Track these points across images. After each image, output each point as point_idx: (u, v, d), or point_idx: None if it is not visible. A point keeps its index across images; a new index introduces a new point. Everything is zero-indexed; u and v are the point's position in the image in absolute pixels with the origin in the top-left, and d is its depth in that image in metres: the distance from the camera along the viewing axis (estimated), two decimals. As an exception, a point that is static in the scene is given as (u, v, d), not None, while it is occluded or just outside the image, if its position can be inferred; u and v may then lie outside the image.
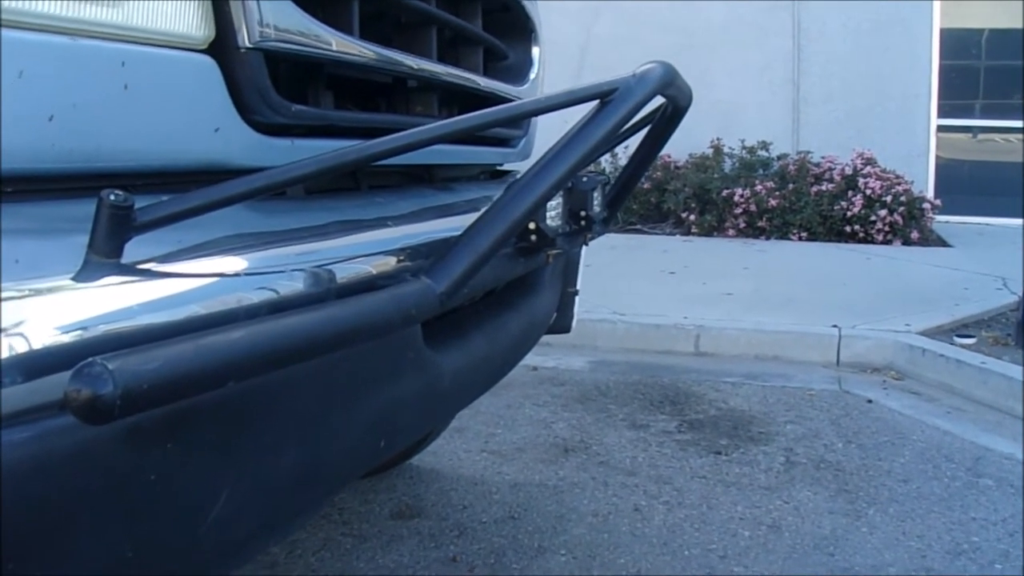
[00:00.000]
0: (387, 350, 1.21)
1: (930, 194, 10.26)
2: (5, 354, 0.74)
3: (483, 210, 1.15)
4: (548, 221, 1.50)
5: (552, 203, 1.52)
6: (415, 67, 1.55)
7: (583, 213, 1.75)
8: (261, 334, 0.81)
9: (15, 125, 0.85)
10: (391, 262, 1.20)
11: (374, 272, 1.14)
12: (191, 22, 1.02)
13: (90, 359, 0.68)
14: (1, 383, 0.73)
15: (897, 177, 9.55)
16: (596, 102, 1.25)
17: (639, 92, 1.26)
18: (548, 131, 1.67)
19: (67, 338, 0.78)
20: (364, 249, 1.17)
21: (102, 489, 0.84)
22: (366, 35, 1.39)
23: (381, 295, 0.99)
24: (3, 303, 0.76)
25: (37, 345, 0.76)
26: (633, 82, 1.26)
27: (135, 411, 0.70)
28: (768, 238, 9.53)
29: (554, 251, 1.61)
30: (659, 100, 1.57)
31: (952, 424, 4.03)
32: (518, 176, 2.17)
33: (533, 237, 1.49)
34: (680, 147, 9.91)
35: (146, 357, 0.71)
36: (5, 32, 0.83)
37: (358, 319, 0.93)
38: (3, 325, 0.75)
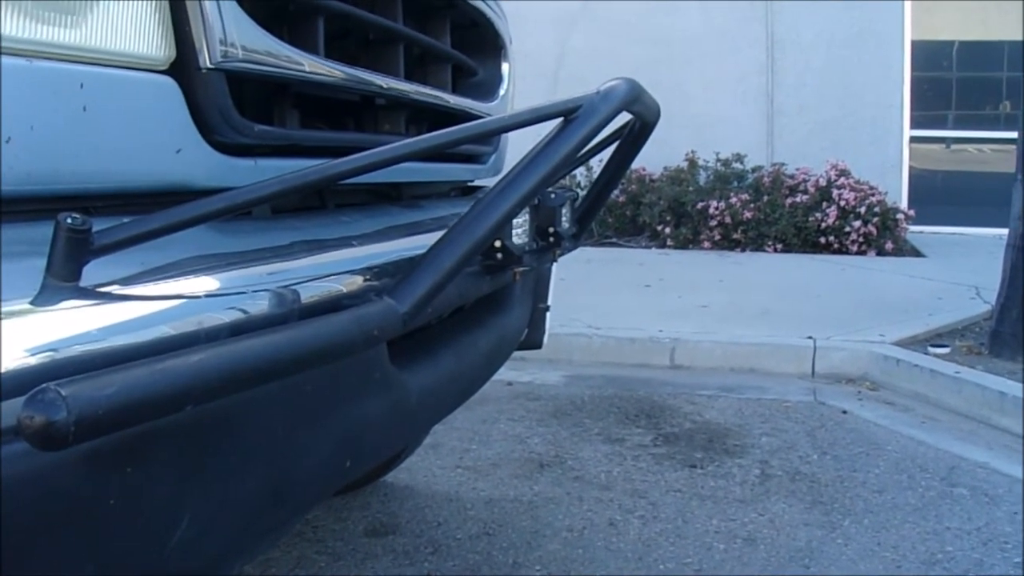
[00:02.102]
0: (352, 370, 1.21)
1: (904, 205, 10.32)
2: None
3: (447, 228, 1.14)
4: (514, 239, 1.50)
5: (519, 220, 1.52)
6: (382, 85, 1.55)
7: (551, 229, 1.75)
8: (219, 357, 0.81)
9: (-29, 148, 0.85)
10: (356, 282, 1.19)
11: (338, 293, 1.14)
12: (151, 43, 1.02)
13: (44, 385, 0.68)
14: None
15: (871, 188, 9.61)
16: (560, 119, 1.25)
17: (604, 109, 1.26)
18: (520, 145, 1.68)
19: (23, 363, 0.77)
20: (328, 269, 1.17)
21: (61, 514, 0.83)
22: (332, 53, 1.39)
23: (343, 316, 0.98)
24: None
25: (-7, 370, 0.75)
26: (597, 99, 1.27)
27: (90, 437, 0.70)
28: (743, 250, 9.56)
29: (521, 268, 1.61)
30: (627, 116, 1.58)
31: (927, 434, 4.05)
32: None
33: (499, 255, 1.49)
34: (655, 160, 9.94)
35: (101, 383, 0.71)
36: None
37: (320, 341, 0.93)
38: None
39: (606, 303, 6.22)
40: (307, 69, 1.28)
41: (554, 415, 4.26)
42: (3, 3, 0.85)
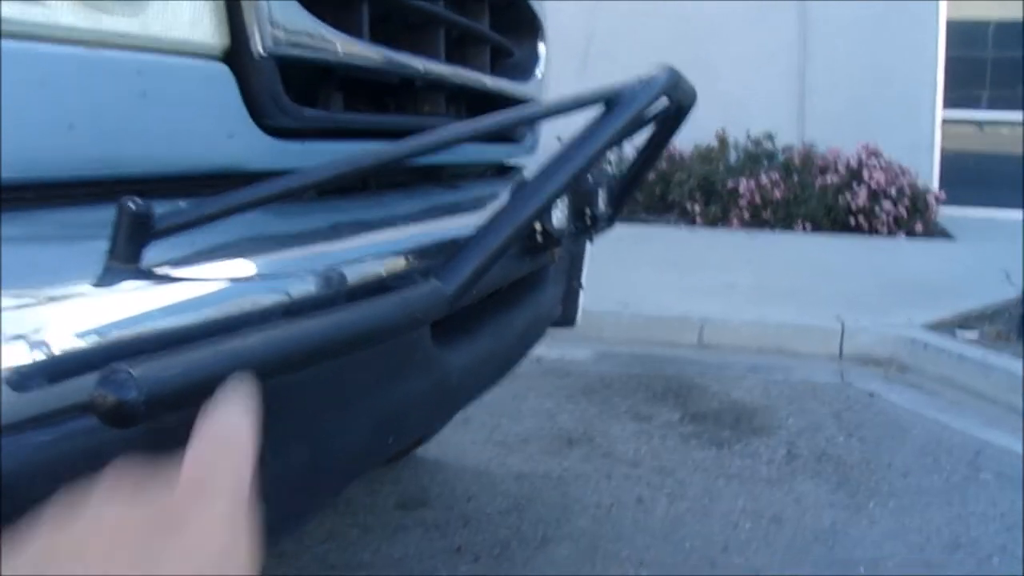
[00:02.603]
0: (396, 350, 1.24)
1: (935, 186, 10.26)
2: (28, 359, 0.76)
3: (491, 212, 1.17)
4: (554, 221, 1.53)
5: (557, 202, 1.55)
6: (424, 69, 1.57)
7: (588, 211, 1.77)
8: (276, 339, 0.84)
9: (36, 133, 0.88)
10: (401, 263, 1.22)
11: (385, 273, 1.17)
12: (206, 31, 1.05)
13: (114, 366, 0.71)
14: (28, 387, 0.75)
15: (902, 169, 9.56)
16: (601, 106, 1.27)
17: (643, 97, 1.29)
18: (552, 124, 1.69)
19: (90, 343, 0.81)
20: (375, 250, 1.20)
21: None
22: (374, 36, 1.41)
23: (392, 298, 1.01)
24: (29, 308, 0.79)
25: (61, 349, 0.79)
26: (638, 87, 1.29)
27: (158, 415, 0.73)
28: (772, 230, 9.54)
29: (559, 249, 1.64)
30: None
31: (953, 418, 4.06)
32: (524, 175, 2.20)
33: (539, 237, 1.51)
34: (685, 138, 9.91)
35: (168, 363, 0.74)
36: (26, 44, 0.86)
37: (371, 322, 0.96)
38: (27, 329, 0.78)
39: (635, 281, 6.24)
40: (354, 54, 1.31)
41: (583, 392, 4.30)
42: (69, -7, 0.88)
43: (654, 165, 1.98)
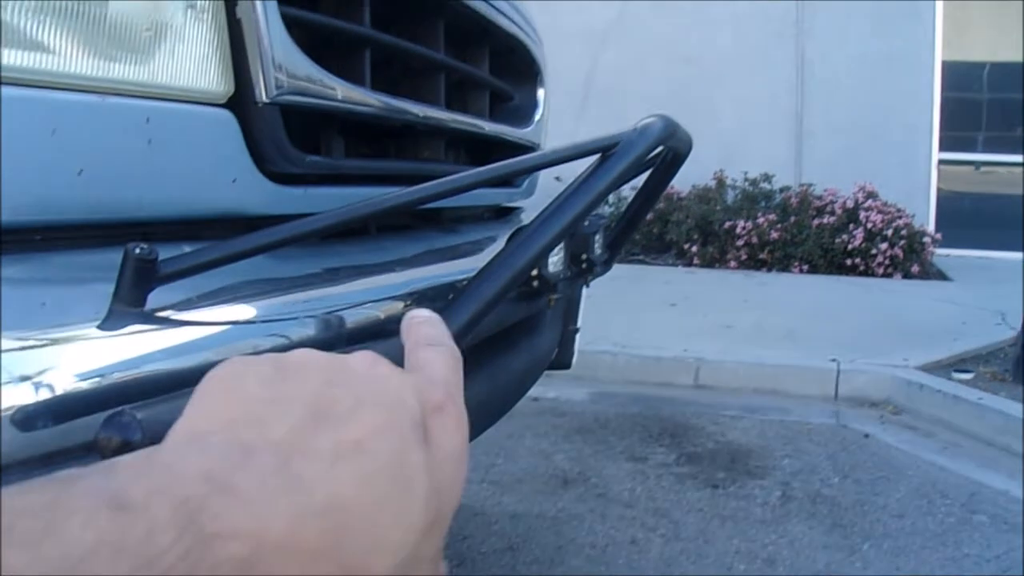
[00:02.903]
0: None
1: (931, 227, 10.33)
2: (34, 399, 0.78)
3: (488, 261, 1.19)
4: (550, 267, 1.55)
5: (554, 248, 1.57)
6: (424, 115, 1.60)
7: (585, 256, 1.79)
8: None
9: (46, 178, 0.90)
10: (399, 307, 1.24)
11: (384, 318, 1.19)
12: (212, 78, 1.07)
13: (120, 408, 0.73)
14: (34, 427, 0.77)
15: (898, 210, 9.63)
16: (598, 155, 1.29)
17: (640, 146, 1.31)
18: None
19: (94, 384, 0.83)
20: (373, 295, 1.22)
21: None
22: (375, 82, 1.44)
23: (388, 345, 1.03)
24: (34, 350, 0.81)
25: (66, 390, 0.80)
26: (635, 136, 1.31)
27: (160, 457, 0.75)
28: (769, 270, 9.59)
29: (555, 295, 1.66)
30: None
31: (948, 460, 4.08)
32: (522, 221, 2.23)
33: (535, 283, 1.53)
34: (683, 178, 9.94)
35: (171, 407, 0.76)
36: (40, 92, 0.88)
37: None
38: (32, 371, 0.80)
39: (632, 321, 6.26)
40: (356, 101, 1.34)
41: (579, 432, 4.31)
42: (79, 44, 0.91)
43: (650, 210, 2.00)
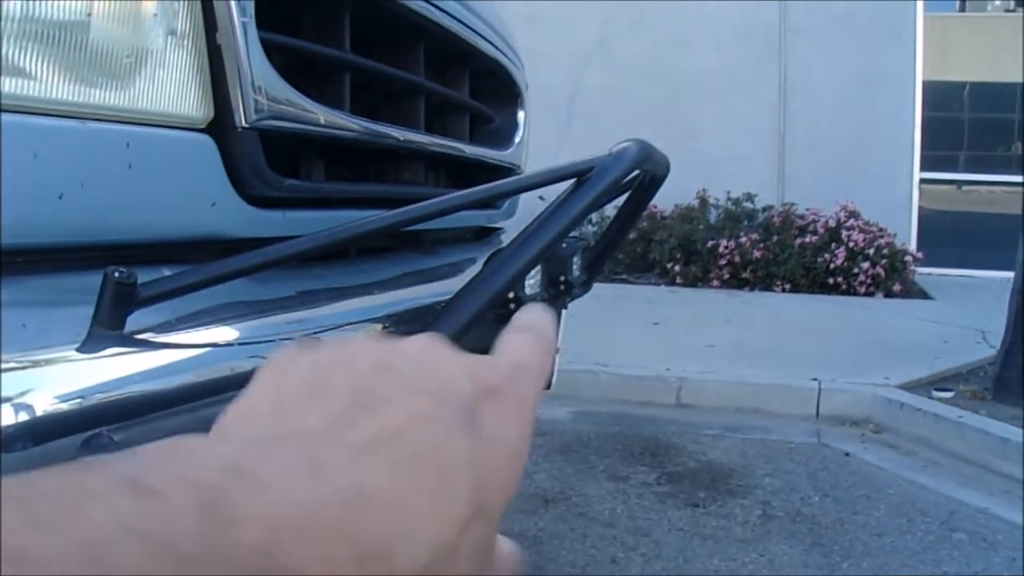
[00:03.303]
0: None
1: (912, 246, 10.39)
2: (13, 421, 0.80)
3: (463, 285, 1.21)
4: (527, 290, 1.57)
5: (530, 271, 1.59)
6: (404, 139, 1.62)
7: (562, 278, 1.81)
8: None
9: (27, 202, 0.92)
10: (375, 330, 1.26)
11: (360, 340, 1.21)
12: (192, 103, 1.09)
13: (97, 431, 0.74)
14: (13, 448, 0.79)
15: (880, 230, 9.69)
16: (573, 180, 1.31)
17: (615, 170, 1.33)
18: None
19: (73, 406, 0.84)
20: (349, 317, 1.23)
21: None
22: (354, 105, 1.46)
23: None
24: (14, 371, 0.82)
25: (45, 412, 0.82)
26: (609, 161, 1.33)
27: (137, 479, 0.76)
28: (752, 289, 9.63)
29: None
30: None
31: (928, 478, 4.10)
32: (503, 242, 2.24)
33: (512, 306, 1.55)
34: (666, 197, 10.01)
35: (148, 429, 0.77)
36: (21, 117, 0.90)
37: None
38: (12, 392, 0.81)
39: (614, 340, 6.28)
40: (335, 125, 1.36)
41: (560, 451, 4.32)
42: (60, 70, 0.93)
43: (629, 232, 2.02)
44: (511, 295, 1.51)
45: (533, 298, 1.60)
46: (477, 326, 1.22)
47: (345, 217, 1.37)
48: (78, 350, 0.89)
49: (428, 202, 1.17)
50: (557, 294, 1.83)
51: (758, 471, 4.11)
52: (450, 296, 1.22)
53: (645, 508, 3.59)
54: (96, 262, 0.97)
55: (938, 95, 11.59)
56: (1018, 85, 11.35)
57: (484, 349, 1.49)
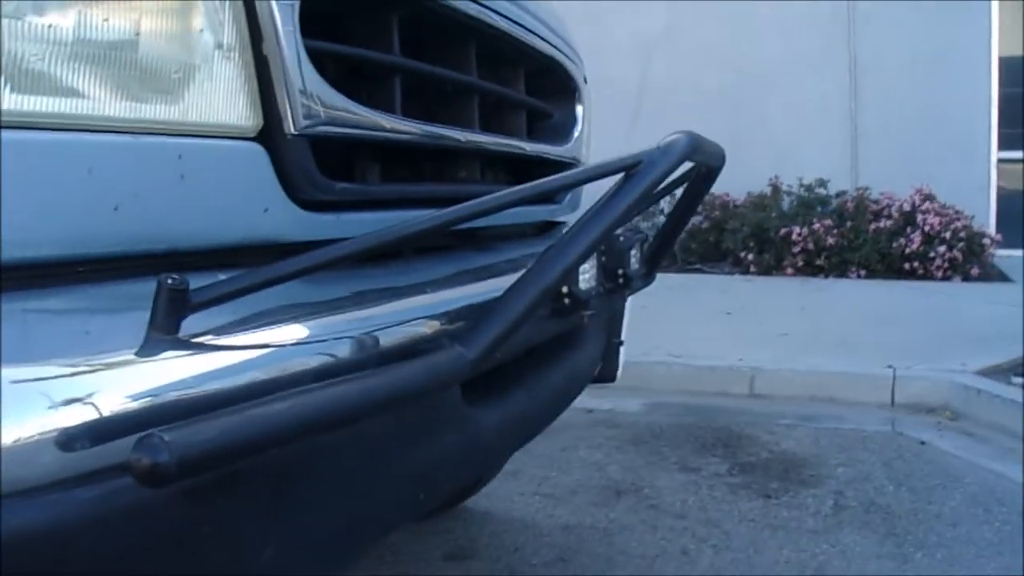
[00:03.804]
0: (426, 410, 1.30)
1: (991, 228, 10.18)
2: (75, 421, 0.83)
3: (514, 282, 1.23)
4: (581, 284, 1.58)
5: (585, 266, 1.60)
6: (460, 139, 1.65)
7: (620, 271, 1.83)
8: (300, 406, 0.90)
9: (85, 215, 0.96)
10: (427, 328, 1.28)
11: (414, 339, 1.23)
12: (240, 113, 1.12)
13: (149, 431, 0.78)
14: (74, 448, 0.82)
15: (956, 212, 9.51)
16: (623, 174, 1.33)
17: (663, 164, 1.34)
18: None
19: (130, 408, 0.88)
20: (401, 317, 1.26)
21: (158, 542, 0.93)
22: (408, 107, 1.49)
23: (415, 364, 1.07)
24: (77, 376, 0.86)
25: (103, 414, 0.85)
26: (657, 155, 1.34)
27: (189, 476, 0.79)
28: (826, 276, 9.52)
29: (588, 312, 1.69)
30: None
31: (1005, 466, 4.03)
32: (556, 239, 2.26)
33: (567, 300, 1.57)
34: (738, 185, 9.94)
35: (198, 429, 0.80)
36: (76, 135, 0.94)
37: (394, 388, 1.02)
38: (73, 395, 0.85)
39: (687, 331, 6.26)
40: (386, 129, 1.38)
41: (632, 443, 4.32)
42: (111, 88, 0.96)
43: (687, 223, 2.03)
44: (565, 289, 1.53)
45: (588, 293, 1.62)
46: (529, 321, 1.24)
47: (398, 218, 1.40)
48: (136, 354, 0.93)
49: (476, 201, 1.19)
50: (616, 287, 1.85)
51: (831, 461, 4.07)
52: (504, 292, 1.24)
53: (716, 499, 3.58)
54: (153, 269, 1.00)
55: (1014, 71, 11.34)
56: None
57: (538, 343, 1.50)
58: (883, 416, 4.89)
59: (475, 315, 1.35)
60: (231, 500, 0.98)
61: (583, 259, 1.30)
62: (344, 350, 1.10)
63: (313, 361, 1.06)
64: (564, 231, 2.39)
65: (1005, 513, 3.46)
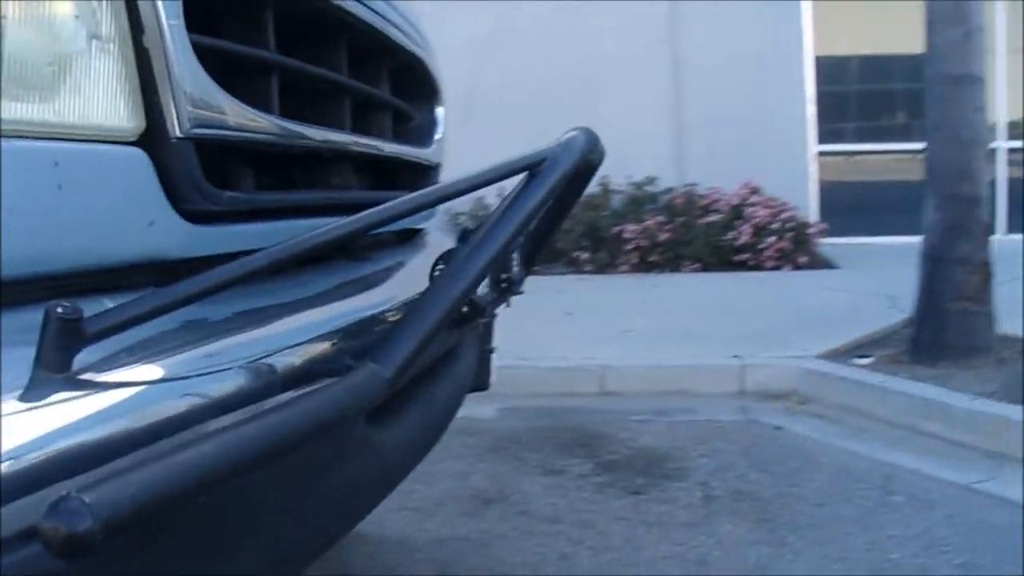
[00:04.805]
0: (335, 435, 1.19)
1: (815, 218, 10.52)
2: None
3: (423, 293, 1.14)
4: (478, 291, 1.50)
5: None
6: (346, 143, 1.55)
7: (504, 276, 1.75)
8: (227, 444, 0.79)
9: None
10: (333, 345, 1.18)
11: (319, 358, 1.13)
12: (121, 114, 1.00)
13: (66, 494, 0.66)
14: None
15: (783, 204, 9.78)
16: (524, 174, 1.25)
17: (567, 160, 1.27)
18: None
19: (22, 464, 0.75)
20: (303, 335, 1.15)
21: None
22: (280, 109, 1.38)
23: (337, 388, 0.97)
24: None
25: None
26: (559, 151, 1.27)
27: (112, 538, 0.68)
28: (661, 271, 9.65)
29: (484, 319, 1.61)
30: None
31: (858, 444, 4.13)
32: (427, 243, 2.17)
33: (466, 309, 1.48)
34: (568, 185, 9.96)
35: (120, 484, 0.69)
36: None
37: (320, 415, 0.91)
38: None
39: (531, 333, 6.21)
40: (269, 131, 1.27)
41: (492, 450, 4.25)
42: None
43: (562, 223, 1.96)
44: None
45: (485, 300, 1.54)
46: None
47: (282, 228, 1.29)
48: (20, 399, 0.80)
49: (384, 206, 1.10)
50: (501, 293, 1.78)
51: (692, 452, 4.09)
52: (393, 304, 1.16)
53: (585, 500, 3.54)
54: (30, 296, 0.88)
55: (830, 69, 11.78)
56: (903, 57, 11.58)
57: (444, 353, 1.38)
58: (734, 405, 4.95)
59: (373, 329, 1.26)
60: (145, 554, 0.86)
61: (496, 263, 1.21)
62: (255, 375, 0.99)
63: (225, 389, 0.94)
64: (424, 237, 2.32)
65: (865, 489, 3.54)
